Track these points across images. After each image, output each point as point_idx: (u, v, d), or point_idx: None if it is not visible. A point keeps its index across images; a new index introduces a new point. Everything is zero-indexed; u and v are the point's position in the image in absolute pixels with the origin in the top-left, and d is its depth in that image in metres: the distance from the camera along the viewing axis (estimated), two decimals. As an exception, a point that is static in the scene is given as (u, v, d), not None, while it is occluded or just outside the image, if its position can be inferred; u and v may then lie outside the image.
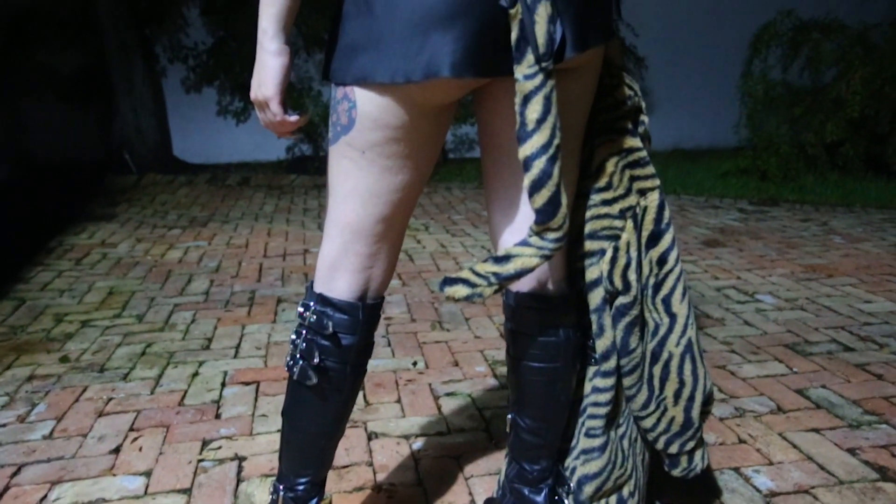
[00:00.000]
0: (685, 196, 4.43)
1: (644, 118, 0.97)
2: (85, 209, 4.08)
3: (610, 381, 0.98)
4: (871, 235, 3.36)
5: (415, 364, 1.91)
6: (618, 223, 0.95)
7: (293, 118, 0.85)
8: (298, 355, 0.92)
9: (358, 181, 0.87)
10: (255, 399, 1.70)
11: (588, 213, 0.96)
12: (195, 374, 1.85)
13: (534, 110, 0.76)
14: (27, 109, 5.26)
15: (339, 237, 0.91)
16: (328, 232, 0.93)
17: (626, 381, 0.98)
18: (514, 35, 0.75)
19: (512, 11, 0.74)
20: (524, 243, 0.82)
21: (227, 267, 2.88)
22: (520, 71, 0.76)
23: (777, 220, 3.73)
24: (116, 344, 2.06)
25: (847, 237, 3.33)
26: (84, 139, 5.42)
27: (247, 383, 1.80)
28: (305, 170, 5.35)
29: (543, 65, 0.74)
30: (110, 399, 1.71)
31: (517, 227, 0.93)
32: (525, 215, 0.92)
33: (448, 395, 1.73)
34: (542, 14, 0.74)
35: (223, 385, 1.79)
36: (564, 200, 0.79)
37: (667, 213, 0.96)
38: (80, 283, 2.66)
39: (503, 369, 1.86)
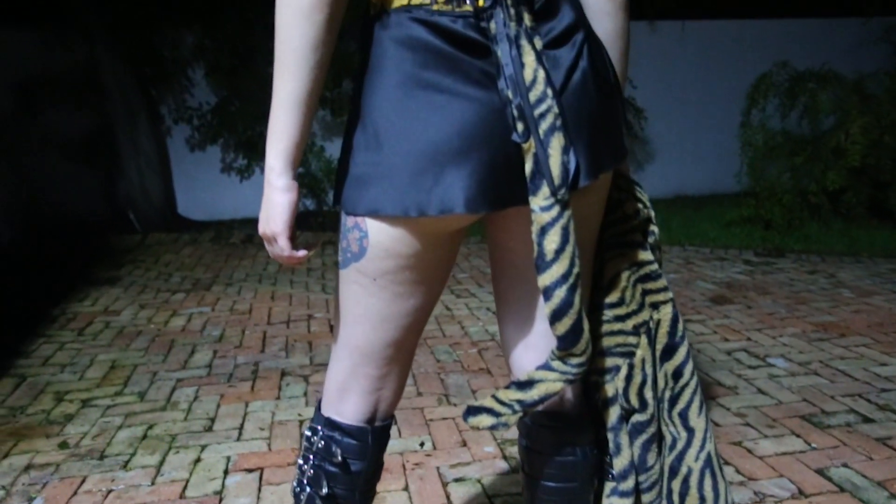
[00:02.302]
0: (690, 247, 4.41)
1: (654, 228, 0.96)
2: (89, 273, 4.07)
3: (628, 502, 0.94)
4: (881, 288, 3.32)
5: (422, 445, 1.86)
6: (632, 339, 0.93)
7: (301, 253, 0.83)
8: (305, 482, 0.89)
9: (368, 306, 0.85)
10: (259, 489, 1.66)
11: (601, 329, 0.94)
12: (197, 461, 1.80)
13: (552, 241, 0.75)
14: (34, 171, 5.32)
15: (348, 359, 0.89)
16: (337, 353, 0.91)
17: (645, 498, 0.94)
18: (528, 168, 0.75)
19: (525, 145, 0.74)
20: (547, 367, 0.80)
21: (230, 336, 2.85)
22: (535, 202, 0.75)
23: (784, 273, 3.70)
24: (117, 426, 2.02)
25: (856, 290, 3.29)
26: (89, 200, 5.46)
27: (250, 470, 1.75)
28: (309, 225, 5.36)
29: (559, 196, 0.74)
30: (110, 491, 1.66)
31: (531, 344, 0.91)
32: (539, 333, 0.90)
33: (457, 480, 1.68)
34: (555, 146, 0.73)
35: (226, 473, 1.74)
36: (586, 326, 0.78)
37: (681, 326, 0.94)
38: (81, 357, 2.63)
39: (512, 449, 1.81)
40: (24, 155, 5.27)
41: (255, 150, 5.60)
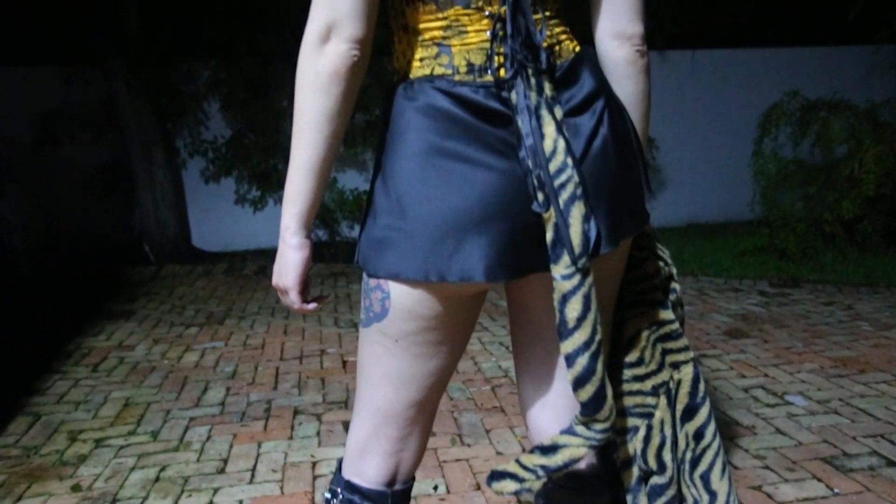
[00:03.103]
0: (704, 278, 4.38)
1: (675, 285, 0.95)
2: (104, 306, 4.10)
3: None
4: (900, 321, 3.27)
5: (435, 489, 1.84)
6: (651, 400, 0.92)
7: (311, 306, 0.85)
8: None
9: (390, 367, 0.85)
10: (271, 535, 1.64)
11: (621, 388, 0.93)
12: (209, 505, 1.79)
13: (573, 309, 0.75)
14: (53, 203, 5.40)
15: (369, 419, 0.89)
16: (358, 412, 0.91)
17: None
18: (549, 236, 0.76)
19: (546, 215, 0.74)
20: (570, 432, 0.80)
21: (243, 372, 2.85)
22: (557, 271, 0.76)
23: (800, 305, 3.65)
24: (130, 467, 2.02)
25: (875, 323, 3.25)
26: (106, 232, 5.53)
27: (262, 515, 1.74)
28: (321, 257, 5.38)
29: (580, 265, 0.74)
30: (122, 537, 1.65)
31: (549, 402, 0.91)
32: (557, 392, 0.90)
33: (471, 527, 1.65)
34: (576, 216, 0.74)
35: (238, 518, 1.73)
36: (609, 392, 0.78)
37: (702, 387, 0.93)
38: (95, 394, 2.64)
39: (529, 495, 1.78)
40: (43, 187, 5.36)
41: (268, 182, 5.66)
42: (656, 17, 6.18)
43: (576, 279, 0.75)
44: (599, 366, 0.76)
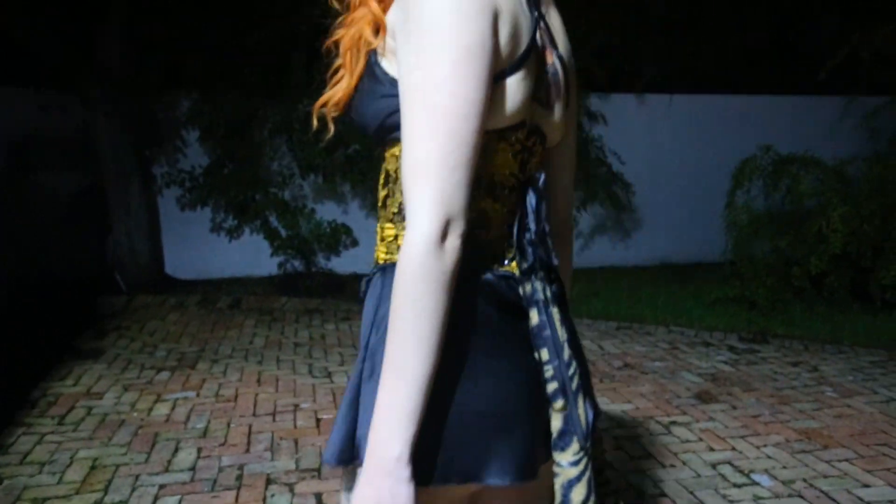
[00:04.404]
0: (675, 327, 4.45)
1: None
2: (72, 343, 4.03)
3: None
4: (863, 387, 3.36)
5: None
6: None
7: None
8: None
9: None
10: None
11: None
12: None
13: (579, 493, 0.78)
14: (23, 231, 5.29)
15: None
16: None
17: None
18: (557, 426, 0.79)
19: (558, 405, 0.77)
20: None
21: (214, 429, 2.81)
22: (564, 458, 0.79)
23: (768, 364, 3.74)
24: (96, 546, 1.98)
25: (839, 389, 3.33)
26: (78, 261, 5.43)
27: None
28: (297, 289, 5.35)
29: (586, 447, 0.77)
30: None
31: None
32: None
33: None
34: (580, 403, 0.78)
35: None
36: None
37: None
38: (61, 452, 2.59)
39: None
40: (14, 214, 5.25)
41: (244, 213, 5.61)
42: (636, 62, 6.30)
43: (582, 465, 0.78)
44: None
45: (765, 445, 2.69)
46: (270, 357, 3.79)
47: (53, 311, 4.75)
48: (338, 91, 0.85)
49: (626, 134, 6.23)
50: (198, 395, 3.21)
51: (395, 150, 0.82)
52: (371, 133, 0.84)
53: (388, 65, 0.80)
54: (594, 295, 5.20)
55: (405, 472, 0.70)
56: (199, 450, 2.62)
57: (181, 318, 4.62)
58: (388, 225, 0.86)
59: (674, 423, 2.92)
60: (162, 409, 3.02)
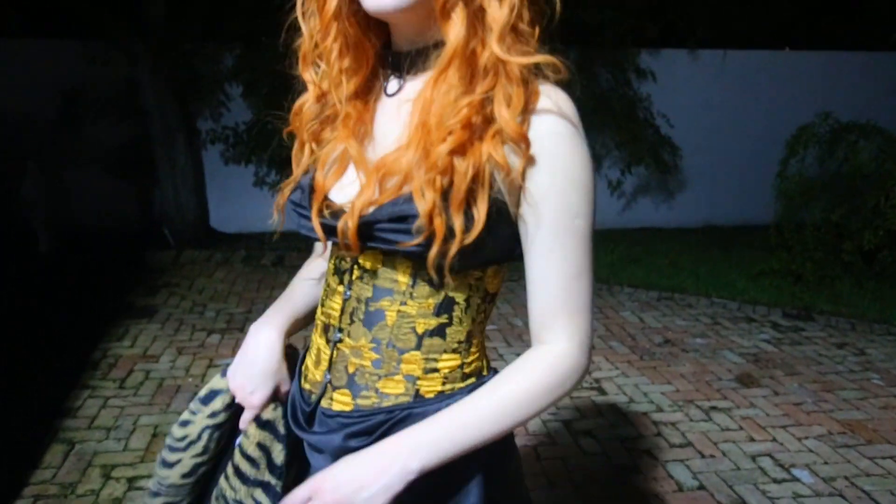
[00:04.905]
0: (717, 299, 4.41)
1: None
2: (125, 300, 4.18)
3: None
4: (910, 374, 3.32)
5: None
6: None
7: None
8: None
9: None
10: None
11: None
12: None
13: None
14: (74, 182, 5.43)
15: None
16: None
17: None
18: None
19: None
20: None
21: (265, 399, 2.93)
22: None
23: (812, 345, 3.69)
24: (163, 518, 2.12)
25: (886, 376, 3.29)
26: (126, 214, 5.58)
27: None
28: (338, 247, 5.43)
29: None
30: None
31: None
32: None
33: None
34: None
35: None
36: None
37: None
38: (124, 418, 2.73)
39: None
40: (64, 166, 5.38)
41: (287, 167, 5.64)
42: (689, 16, 6.01)
43: None
44: None
45: (806, 437, 2.69)
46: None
47: (104, 261, 4.92)
48: (473, 233, 0.73)
49: (675, 91, 6.02)
50: (248, 361, 3.32)
51: (473, 276, 0.81)
52: (467, 260, 0.76)
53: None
54: (635, 261, 5.16)
55: (414, 475, 0.74)
56: (252, 420, 2.74)
57: (227, 276, 4.74)
58: (449, 356, 0.83)
59: (714, 408, 2.94)
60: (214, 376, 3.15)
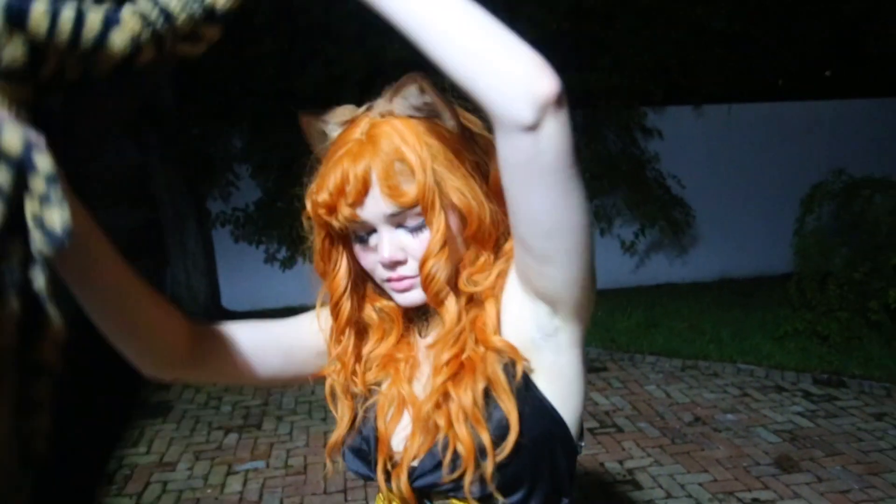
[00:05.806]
0: (743, 366, 4.29)
1: None
2: (139, 394, 4.09)
3: None
4: (956, 450, 3.18)
5: None
6: None
7: None
8: None
9: None
10: None
11: None
12: None
13: None
14: (84, 270, 5.42)
15: None
16: None
17: None
18: None
19: None
20: None
21: (288, 512, 2.83)
22: None
23: (848, 416, 3.57)
24: None
25: (930, 452, 3.16)
26: (137, 300, 5.54)
27: None
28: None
29: None
30: None
31: None
32: None
33: None
34: None
35: None
36: None
37: None
38: (143, 542, 2.63)
39: None
40: (75, 254, 5.38)
41: (298, 245, 5.63)
42: (692, 74, 6.05)
43: None
44: None
45: (858, 535, 2.56)
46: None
47: (116, 356, 4.86)
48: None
49: (683, 148, 6.02)
50: (267, 465, 3.23)
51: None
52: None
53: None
54: (654, 326, 5.06)
55: None
56: (276, 539, 2.64)
57: (241, 361, 4.66)
58: None
59: (756, 500, 2.81)
60: (234, 485, 3.05)
